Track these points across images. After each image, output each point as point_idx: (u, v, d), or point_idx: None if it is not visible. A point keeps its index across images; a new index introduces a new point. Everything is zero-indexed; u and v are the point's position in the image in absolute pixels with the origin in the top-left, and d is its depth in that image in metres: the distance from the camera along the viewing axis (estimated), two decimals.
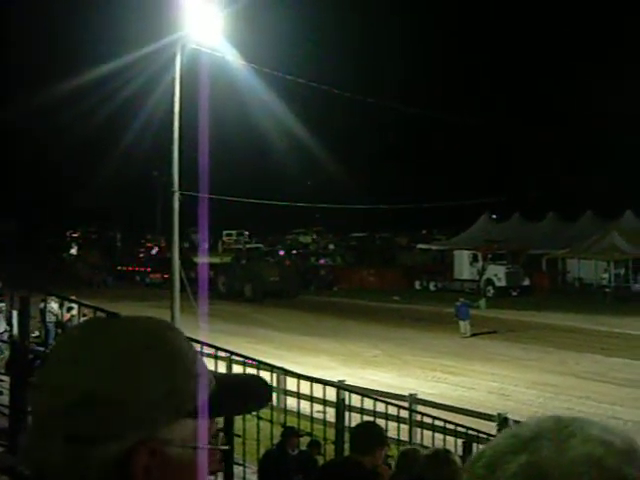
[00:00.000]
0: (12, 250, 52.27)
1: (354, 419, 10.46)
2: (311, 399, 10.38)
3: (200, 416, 1.16)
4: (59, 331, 21.74)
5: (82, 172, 68.16)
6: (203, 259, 39.07)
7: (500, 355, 26.90)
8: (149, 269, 53.94)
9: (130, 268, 56.59)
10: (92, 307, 8.13)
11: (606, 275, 44.14)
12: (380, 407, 11.27)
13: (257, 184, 51.12)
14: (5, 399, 7.98)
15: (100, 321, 1.26)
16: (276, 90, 28.80)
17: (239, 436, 8.01)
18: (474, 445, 11.04)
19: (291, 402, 15.09)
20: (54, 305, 21.54)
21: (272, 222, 60.03)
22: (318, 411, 10.84)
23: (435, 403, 15.97)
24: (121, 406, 1.10)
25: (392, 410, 12.10)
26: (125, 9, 34.98)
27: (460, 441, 11.79)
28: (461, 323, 31.17)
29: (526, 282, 45.55)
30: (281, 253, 56.09)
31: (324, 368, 22.23)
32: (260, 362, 9.81)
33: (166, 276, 34.51)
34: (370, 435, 5.81)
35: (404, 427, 13.46)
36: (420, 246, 56.25)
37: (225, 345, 10.73)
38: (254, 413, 7.77)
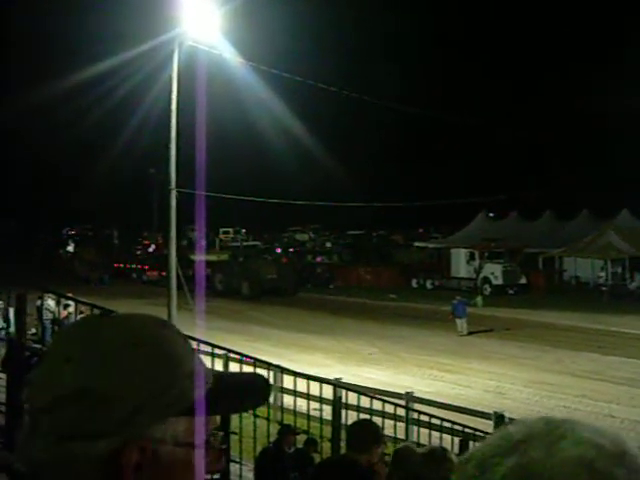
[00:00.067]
0: (11, 249, 52.25)
1: (351, 417, 10.45)
2: (308, 397, 10.37)
3: (196, 414, 1.16)
4: (56, 328, 21.75)
5: (79, 169, 68.17)
6: (200, 257, 39.08)
7: (497, 353, 26.91)
8: (146, 266, 53.90)
9: (127, 265, 56.57)
10: (89, 304, 8.13)
11: (603, 274, 44.19)
12: (377, 405, 11.28)
13: (254, 181, 51.19)
14: (2, 396, 7.97)
15: (95, 319, 1.25)
16: (273, 88, 28.79)
17: (236, 434, 8.03)
18: (470, 443, 11.05)
19: (288, 400, 15.13)
20: (51, 302, 21.55)
21: (269, 220, 60.05)
22: (315, 409, 10.84)
23: (432, 401, 15.97)
24: (110, 404, 1.10)
25: (389, 408, 12.13)
26: (122, 6, 34.89)
27: (457, 439, 11.80)
28: (458, 321, 31.16)
29: (523, 280, 45.57)
30: (278, 251, 56.12)
31: (320, 366, 22.22)
32: (257, 360, 9.82)
33: (163, 273, 34.48)
34: (367, 433, 5.81)
35: (401, 425, 13.45)
36: (417, 244, 56.24)
37: (222, 343, 10.75)
38: (250, 411, 7.78)
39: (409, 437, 13.75)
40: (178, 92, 21.60)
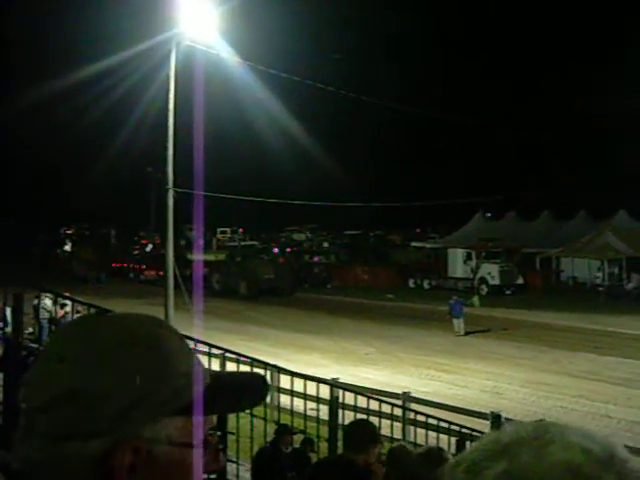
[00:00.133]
0: (11, 249, 52.18)
1: (347, 417, 10.45)
2: (304, 397, 10.37)
3: (193, 413, 1.16)
4: (53, 328, 21.71)
5: (77, 169, 68.09)
6: (198, 256, 39.06)
7: (494, 353, 26.92)
8: (143, 266, 53.89)
9: (124, 265, 56.55)
10: (86, 304, 8.13)
11: (600, 274, 44.25)
12: (374, 405, 11.28)
13: (252, 181, 51.15)
14: None
15: (92, 318, 1.25)
16: (271, 87, 28.78)
17: (232, 433, 8.02)
18: (467, 443, 11.05)
19: (285, 400, 15.11)
20: (48, 302, 21.54)
21: (266, 219, 60.01)
22: (311, 409, 10.83)
23: (428, 401, 15.98)
24: (103, 403, 1.10)
25: (386, 408, 12.12)
26: (119, 6, 34.86)
27: (453, 439, 11.79)
28: (455, 321, 31.17)
29: (520, 281, 45.60)
30: (275, 251, 56.11)
31: (317, 366, 22.23)
32: (254, 359, 9.82)
33: (160, 273, 34.46)
34: (363, 433, 5.80)
35: (397, 425, 13.47)
36: (414, 244, 56.27)
37: (219, 342, 10.74)
38: (248, 410, 7.77)
39: (406, 437, 13.75)
40: (176, 92, 21.58)
